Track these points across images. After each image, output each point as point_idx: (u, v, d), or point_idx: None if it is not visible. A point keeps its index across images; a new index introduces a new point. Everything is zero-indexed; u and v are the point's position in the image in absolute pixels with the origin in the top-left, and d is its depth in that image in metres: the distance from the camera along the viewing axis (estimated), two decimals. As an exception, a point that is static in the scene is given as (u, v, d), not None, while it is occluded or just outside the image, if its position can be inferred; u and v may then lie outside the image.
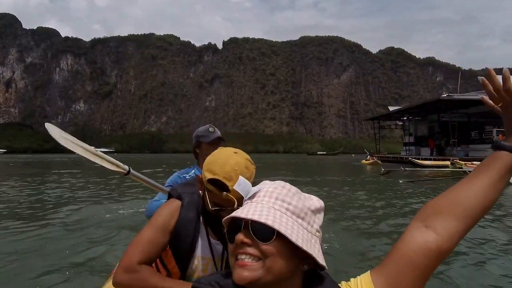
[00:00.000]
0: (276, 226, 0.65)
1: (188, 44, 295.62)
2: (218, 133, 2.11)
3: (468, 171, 14.09)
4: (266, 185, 0.76)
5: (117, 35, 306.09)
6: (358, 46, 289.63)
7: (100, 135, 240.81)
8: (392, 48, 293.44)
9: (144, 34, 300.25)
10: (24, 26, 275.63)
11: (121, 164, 1.40)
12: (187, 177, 2.07)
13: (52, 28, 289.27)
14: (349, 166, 27.43)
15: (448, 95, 24.80)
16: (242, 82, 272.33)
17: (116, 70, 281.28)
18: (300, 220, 0.70)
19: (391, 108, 37.10)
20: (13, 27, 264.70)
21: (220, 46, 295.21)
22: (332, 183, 12.69)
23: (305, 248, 0.65)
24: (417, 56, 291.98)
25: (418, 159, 23.23)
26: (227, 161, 1.03)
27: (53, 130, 1.53)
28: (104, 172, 16.21)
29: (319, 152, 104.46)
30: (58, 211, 6.20)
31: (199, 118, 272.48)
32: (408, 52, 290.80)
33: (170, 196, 1.20)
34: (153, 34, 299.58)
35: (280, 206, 0.70)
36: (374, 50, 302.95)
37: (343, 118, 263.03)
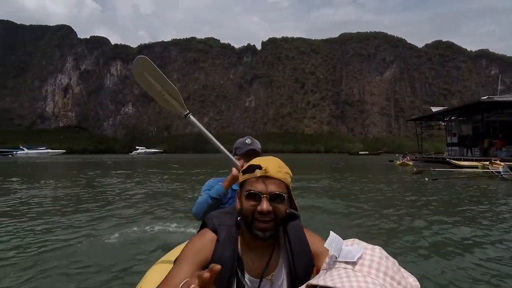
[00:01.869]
0: None
1: (227, 46, 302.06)
2: (256, 145, 2.08)
3: (495, 171, 14.73)
4: (367, 251, 0.68)
5: (161, 40, 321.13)
6: (402, 41, 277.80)
7: (147, 136, 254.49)
8: (439, 42, 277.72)
9: (186, 38, 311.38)
10: (78, 35, 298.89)
11: (182, 107, 1.45)
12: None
13: (103, 37, 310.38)
14: (384, 166, 27.71)
15: (488, 97, 24.70)
16: (281, 81, 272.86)
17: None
18: None
19: (434, 109, 36.84)
20: (69, 38, 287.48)
21: (259, 46, 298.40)
22: (362, 180, 14.12)
23: None
24: (468, 49, 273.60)
25: (460, 159, 23.14)
26: (258, 158, 1.08)
27: (137, 65, 1.52)
28: (154, 173, 18.19)
29: (361, 152, 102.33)
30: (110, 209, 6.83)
31: (239, 119, 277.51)
32: (458, 44, 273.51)
33: (204, 224, 1.13)
34: (194, 38, 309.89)
35: (390, 284, 0.62)
36: (419, 44, 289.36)
37: (387, 116, 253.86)
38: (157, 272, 1.45)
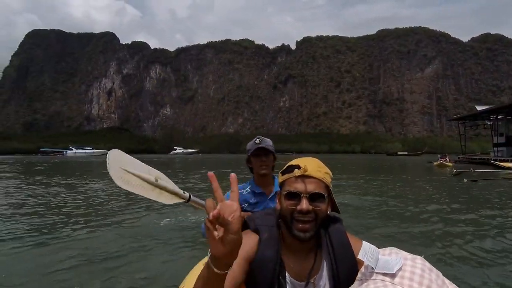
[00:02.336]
0: None
1: (262, 46, 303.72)
2: (265, 143, 1.98)
3: None
4: (408, 261, 0.61)
5: (197, 43, 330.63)
6: (445, 36, 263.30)
7: (184, 136, 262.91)
8: (487, 35, 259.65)
9: (221, 40, 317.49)
10: (121, 41, 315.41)
11: (181, 192, 0.99)
12: (244, 193, 2.04)
13: (143, 41, 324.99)
14: (422, 167, 26.60)
15: None
16: (316, 81, 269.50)
17: (197, 76, 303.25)
18: None
19: (479, 108, 34.87)
20: (113, 43, 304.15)
21: (293, 46, 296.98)
22: (395, 181, 13.63)
23: None
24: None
25: (507, 161, 21.67)
26: (299, 158, 1.05)
27: (112, 160, 0.79)
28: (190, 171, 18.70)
29: (399, 153, 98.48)
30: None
31: (273, 119, 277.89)
32: (508, 37, 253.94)
33: (245, 225, 1.09)
34: (229, 39, 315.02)
35: None
36: (465, 38, 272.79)
37: (428, 115, 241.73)
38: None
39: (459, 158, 32.06)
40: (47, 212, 6.07)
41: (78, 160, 46.37)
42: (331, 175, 1.03)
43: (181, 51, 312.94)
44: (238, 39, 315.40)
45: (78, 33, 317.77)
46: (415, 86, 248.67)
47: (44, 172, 19.08)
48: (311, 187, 0.97)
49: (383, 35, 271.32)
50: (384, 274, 0.60)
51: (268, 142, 2.05)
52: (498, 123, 31.92)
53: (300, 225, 0.95)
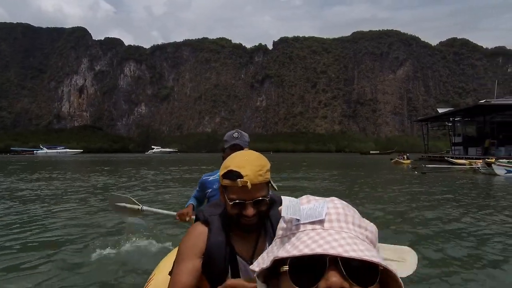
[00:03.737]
0: (383, 263, 0.47)
1: (239, 46, 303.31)
2: (242, 139, 2.09)
3: (477, 168, 16.80)
4: (329, 204, 0.57)
5: (173, 41, 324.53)
6: (415, 39, 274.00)
7: (161, 135, 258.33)
8: (454, 39, 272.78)
9: (198, 38, 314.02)
10: (93, 37, 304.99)
11: (134, 206, 1.64)
12: (210, 179, 2.21)
13: (116, 38, 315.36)
14: (385, 164, 29.19)
15: (486, 101, 27.70)
16: (292, 81, 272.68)
17: (173, 74, 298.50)
18: (375, 249, 0.54)
19: (440, 110, 38.72)
20: (85, 39, 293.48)
21: (270, 46, 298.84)
22: (355, 176, 16.27)
23: None
24: (484, 46, 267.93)
25: (461, 158, 25.28)
26: (237, 155, 1.08)
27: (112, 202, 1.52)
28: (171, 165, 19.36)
29: (372, 152, 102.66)
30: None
31: (250, 118, 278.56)
32: (474, 42, 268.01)
33: (197, 219, 1.19)
34: (206, 38, 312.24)
35: (361, 234, 0.54)
36: (434, 42, 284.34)
37: (400, 116, 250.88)
38: (169, 264, 1.41)
39: (422, 156, 34.72)
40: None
41: (51, 159, 45.00)
42: (269, 166, 1.07)
43: (156, 48, 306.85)
44: (215, 37, 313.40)
45: (48, 28, 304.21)
46: (387, 87, 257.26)
47: (24, 170, 18.83)
48: (254, 194, 1.01)
49: (358, 37, 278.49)
50: (313, 223, 0.54)
51: (245, 138, 2.14)
52: (457, 124, 35.13)
53: (246, 223, 1.04)
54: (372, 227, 0.56)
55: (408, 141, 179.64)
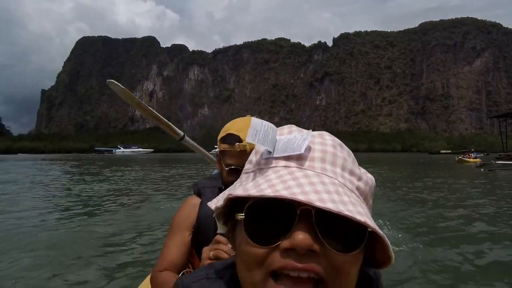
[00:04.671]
0: (371, 224, 0.31)
1: (298, 45, 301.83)
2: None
3: None
4: (315, 138, 0.41)
5: (233, 44, 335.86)
6: (496, 25, 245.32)
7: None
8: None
9: (257, 40, 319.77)
10: (162, 45, 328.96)
11: (177, 129, 1.51)
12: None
13: (181, 44, 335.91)
14: (448, 163, 27.18)
15: None
16: (354, 78, 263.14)
17: (234, 76, 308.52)
18: (366, 206, 0.39)
19: None
20: (154, 47, 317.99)
21: (330, 43, 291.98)
22: (404, 172, 15.91)
23: (392, 255, 0.36)
24: None
25: None
26: (238, 120, 1.02)
27: (114, 87, 1.52)
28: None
29: (442, 151, 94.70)
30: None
31: (310, 117, 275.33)
32: None
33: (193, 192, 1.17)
34: (265, 39, 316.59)
35: (350, 182, 0.38)
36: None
37: (477, 111, 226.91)
38: None
39: (500, 155, 31.46)
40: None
41: (126, 158, 50.13)
42: None
43: (218, 52, 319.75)
44: (274, 38, 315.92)
45: (123, 39, 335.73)
46: (461, 80, 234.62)
47: (106, 166, 21.85)
48: None
49: (427, 28, 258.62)
50: (287, 158, 0.38)
51: None
52: None
53: None
54: (369, 177, 0.41)
55: (487, 140, 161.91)
